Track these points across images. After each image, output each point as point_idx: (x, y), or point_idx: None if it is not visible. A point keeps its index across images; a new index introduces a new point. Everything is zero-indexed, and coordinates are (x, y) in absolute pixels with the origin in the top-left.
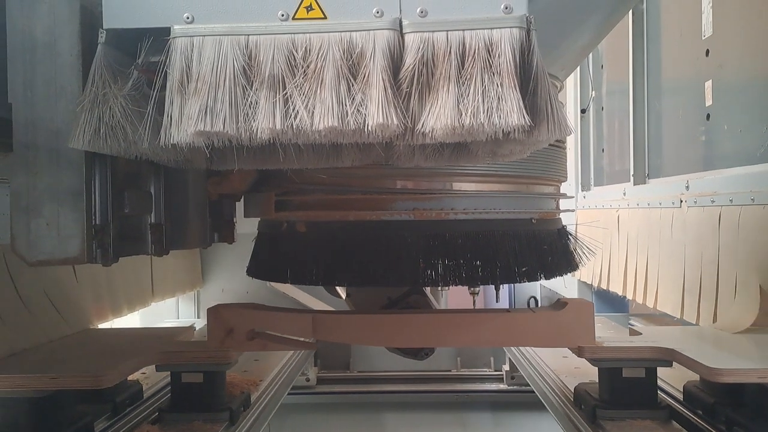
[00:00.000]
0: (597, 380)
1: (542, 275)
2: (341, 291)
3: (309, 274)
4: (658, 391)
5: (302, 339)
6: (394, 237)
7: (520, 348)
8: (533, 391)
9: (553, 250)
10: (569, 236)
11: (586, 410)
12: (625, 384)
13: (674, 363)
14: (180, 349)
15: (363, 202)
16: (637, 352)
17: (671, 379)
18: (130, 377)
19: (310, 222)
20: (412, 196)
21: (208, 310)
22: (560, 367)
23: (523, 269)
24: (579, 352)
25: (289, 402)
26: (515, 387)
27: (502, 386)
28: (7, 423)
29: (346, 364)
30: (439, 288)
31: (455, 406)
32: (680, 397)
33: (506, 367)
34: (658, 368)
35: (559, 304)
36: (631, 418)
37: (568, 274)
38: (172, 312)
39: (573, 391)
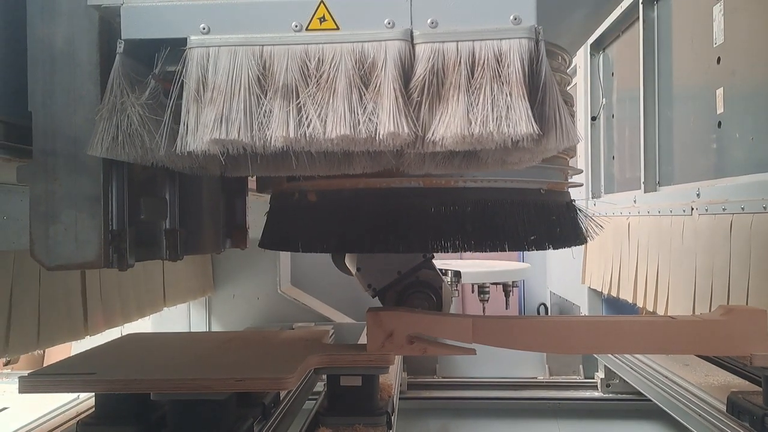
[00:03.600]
0: (744, 389)
1: (550, 245)
2: (351, 266)
3: (320, 243)
4: None
5: (461, 344)
6: (403, 204)
7: (623, 356)
8: (634, 399)
9: (561, 222)
10: (578, 210)
11: (750, 419)
12: None
13: None
14: (341, 352)
15: None
16: None
17: None
18: None
19: (321, 191)
20: None
21: (368, 313)
22: (688, 376)
23: (531, 238)
24: (752, 360)
25: None
26: (611, 395)
27: (597, 394)
28: (181, 425)
29: (432, 369)
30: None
31: (548, 413)
32: None
33: (600, 375)
34: None
35: (724, 310)
36: None
37: (576, 245)
38: (183, 318)
39: (726, 400)
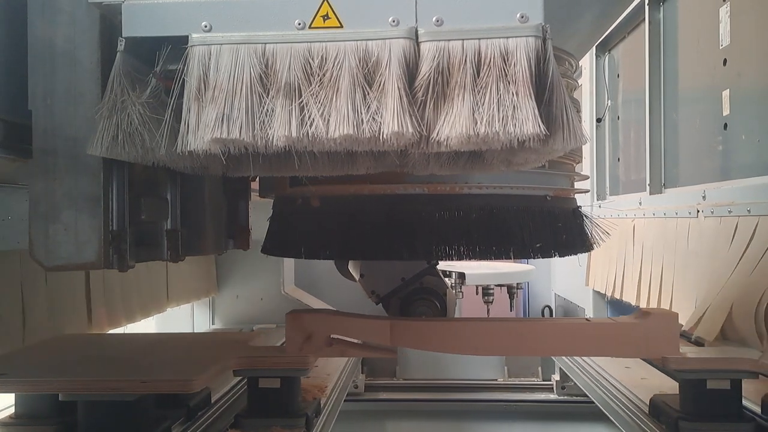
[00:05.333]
0: (675, 392)
1: (556, 252)
2: (354, 273)
3: (323, 249)
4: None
5: (381, 346)
6: (408, 211)
7: (575, 358)
8: (586, 402)
9: (567, 229)
10: (584, 216)
11: (667, 422)
12: (710, 396)
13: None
14: (259, 354)
15: (377, 175)
16: (724, 363)
17: (746, 392)
18: None
19: (324, 196)
20: None
21: (288, 315)
22: (624, 378)
23: (537, 245)
24: (663, 363)
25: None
26: (566, 397)
27: (552, 396)
28: (92, 425)
29: (392, 371)
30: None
31: (504, 415)
32: (757, 410)
33: (556, 377)
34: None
35: (641, 313)
36: (715, 430)
37: (583, 253)
38: (187, 318)
39: (648, 402)
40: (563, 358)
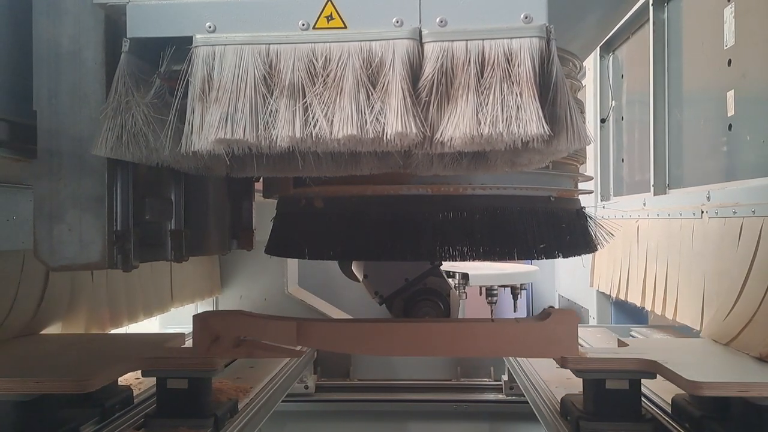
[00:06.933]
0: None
1: (560, 254)
2: (358, 273)
3: (327, 250)
4: (646, 404)
5: (288, 346)
6: (411, 212)
7: (519, 358)
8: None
9: (571, 230)
10: (588, 217)
11: (571, 422)
12: (609, 396)
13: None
14: (166, 355)
15: (381, 176)
16: (621, 363)
17: (663, 392)
18: (121, 382)
19: (328, 197)
20: None
21: (194, 317)
22: (553, 378)
23: (541, 246)
24: (562, 362)
25: (288, 409)
26: (513, 397)
27: (501, 396)
28: None
29: (346, 372)
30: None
31: (454, 415)
32: (669, 409)
33: (505, 377)
34: (648, 380)
35: (544, 314)
36: (614, 430)
37: (587, 253)
38: (191, 318)
39: (560, 401)
40: (510, 359)
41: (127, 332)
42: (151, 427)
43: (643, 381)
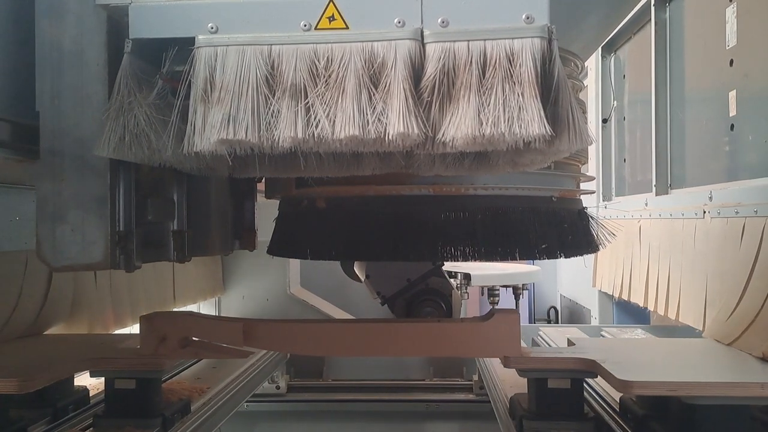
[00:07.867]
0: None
1: (562, 254)
2: (360, 273)
3: (329, 250)
4: (593, 402)
5: (234, 347)
6: (413, 212)
7: (486, 359)
8: None
9: (573, 230)
10: (590, 218)
11: (516, 420)
12: (551, 395)
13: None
14: (113, 355)
15: (383, 176)
16: (561, 363)
17: (613, 391)
18: (77, 383)
19: (330, 198)
20: None
21: (141, 317)
22: (508, 377)
23: (543, 246)
24: (505, 362)
25: (259, 410)
26: (482, 397)
27: (471, 396)
28: None
29: (319, 372)
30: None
31: (426, 415)
32: (618, 408)
33: (476, 377)
34: (597, 378)
35: (488, 314)
36: (556, 429)
37: (588, 254)
38: None
39: (509, 400)
40: (478, 359)
41: (130, 332)
42: (99, 426)
43: (599, 380)
